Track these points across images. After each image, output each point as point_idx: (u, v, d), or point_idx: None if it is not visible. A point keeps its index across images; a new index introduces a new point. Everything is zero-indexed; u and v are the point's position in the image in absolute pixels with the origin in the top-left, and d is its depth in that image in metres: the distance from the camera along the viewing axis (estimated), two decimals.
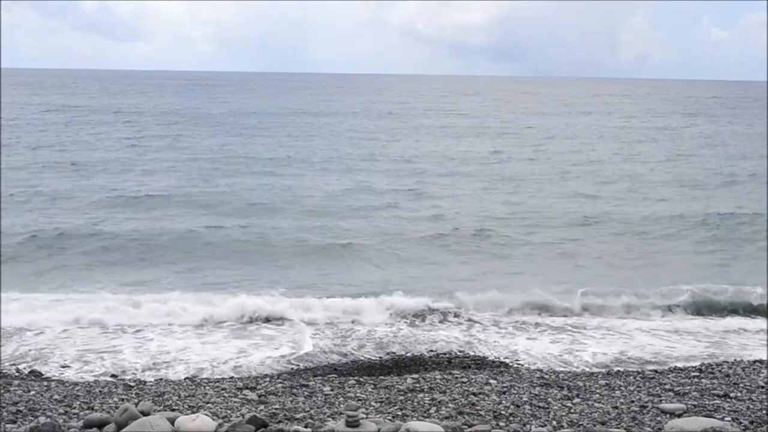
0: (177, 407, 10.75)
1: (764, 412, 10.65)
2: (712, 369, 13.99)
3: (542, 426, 9.51)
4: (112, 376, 14.49)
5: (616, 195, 37.91)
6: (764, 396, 11.69)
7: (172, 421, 7.24)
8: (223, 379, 13.99)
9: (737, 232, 29.87)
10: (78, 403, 11.06)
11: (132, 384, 12.91)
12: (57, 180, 38.12)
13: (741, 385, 12.53)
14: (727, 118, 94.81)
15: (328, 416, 10.16)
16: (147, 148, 51.78)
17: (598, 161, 50.20)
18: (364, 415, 7.69)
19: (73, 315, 18.25)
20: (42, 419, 7.45)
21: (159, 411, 7.91)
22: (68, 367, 15.33)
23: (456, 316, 19.41)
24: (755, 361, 14.88)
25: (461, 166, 47.12)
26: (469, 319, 19.19)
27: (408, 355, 16.23)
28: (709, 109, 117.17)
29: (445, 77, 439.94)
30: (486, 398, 11.46)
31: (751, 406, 11.00)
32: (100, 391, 12.03)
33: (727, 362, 14.95)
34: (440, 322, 19.06)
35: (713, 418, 9.38)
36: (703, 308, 20.58)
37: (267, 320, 18.68)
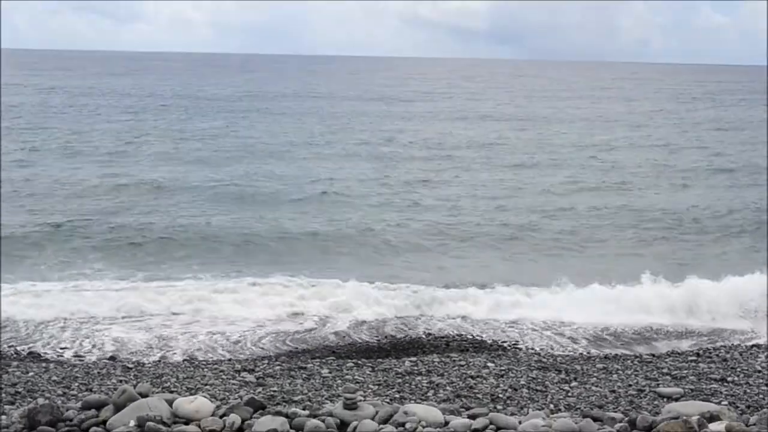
0: (175, 389, 10.78)
1: (761, 396, 10.68)
2: (710, 353, 14.02)
3: (539, 409, 9.53)
4: (111, 358, 14.50)
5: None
6: (761, 380, 11.72)
7: (170, 403, 7.24)
8: (221, 361, 14.00)
9: None
10: (76, 384, 11.10)
11: (130, 366, 12.94)
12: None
13: (738, 369, 12.56)
14: None
15: (326, 399, 10.19)
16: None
17: None
18: (362, 398, 7.69)
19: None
20: (40, 400, 7.45)
21: (157, 393, 7.91)
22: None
23: None
24: (753, 346, 14.92)
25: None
26: None
27: (406, 338, 16.25)
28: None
29: (445, 60, 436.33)
30: (484, 381, 11.49)
31: (749, 391, 11.04)
32: (98, 373, 12.06)
33: (725, 346, 14.99)
34: None
35: (710, 402, 9.40)
36: None
37: None
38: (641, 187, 34.96)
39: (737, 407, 9.92)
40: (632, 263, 22.15)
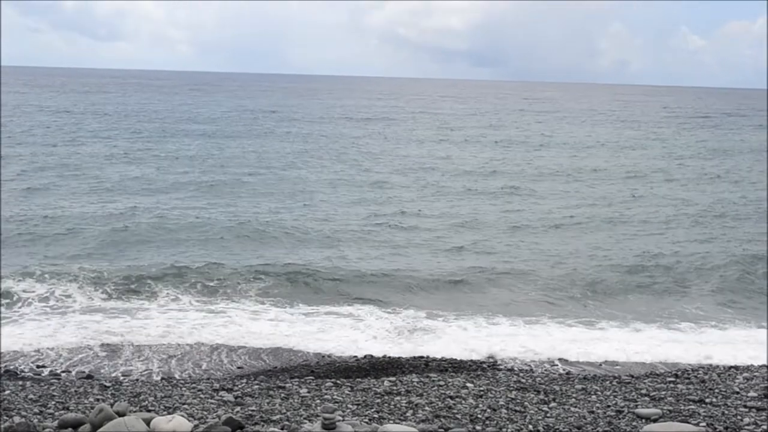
0: (153, 408, 10.71)
1: (739, 417, 10.71)
2: (688, 374, 14.06)
3: (518, 430, 9.53)
4: (88, 376, 14.41)
5: None
6: (739, 402, 11.75)
7: (147, 422, 7.21)
8: (199, 379, 13.93)
9: None
10: (53, 403, 11.00)
11: (108, 384, 12.85)
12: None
13: (716, 390, 12.59)
14: None
15: (305, 418, 10.14)
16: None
17: None
18: (341, 418, 7.68)
19: None
20: (17, 419, 7.40)
21: (135, 411, 7.88)
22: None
23: None
24: (731, 367, 14.97)
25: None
26: None
27: (385, 358, 16.23)
28: None
29: (426, 81, 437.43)
30: (463, 402, 11.47)
31: (726, 412, 11.05)
32: (75, 391, 11.97)
33: (703, 368, 15.04)
34: None
35: (689, 423, 9.43)
36: None
37: None
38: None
39: (715, 428, 9.95)
40: None
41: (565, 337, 18.31)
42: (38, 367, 15.15)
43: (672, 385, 13.00)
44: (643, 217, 33.79)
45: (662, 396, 12.13)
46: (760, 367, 14.86)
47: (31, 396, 11.37)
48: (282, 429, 7.42)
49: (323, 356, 16.33)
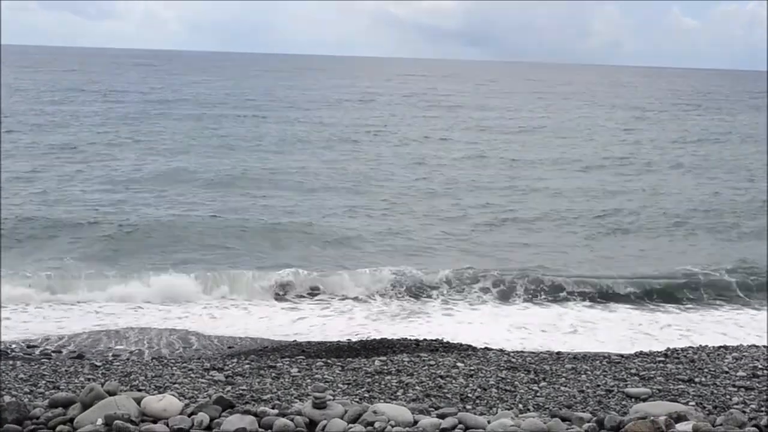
0: (144, 387, 10.71)
1: (728, 397, 10.76)
2: (678, 354, 14.10)
3: (508, 409, 9.55)
4: (78, 356, 14.40)
5: None
6: (728, 381, 11.81)
7: (138, 401, 7.20)
8: (190, 359, 13.94)
9: None
10: (44, 382, 11.00)
11: (98, 364, 12.84)
12: None
13: (705, 370, 12.64)
14: None
15: (295, 398, 10.16)
16: None
17: None
18: (331, 397, 7.67)
19: None
20: (7, 398, 7.38)
21: (125, 391, 7.85)
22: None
23: None
24: (720, 347, 15.01)
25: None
26: None
27: (377, 337, 16.26)
28: None
29: (417, 61, 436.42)
30: (453, 381, 11.50)
31: (715, 391, 11.10)
32: (66, 371, 11.96)
33: (693, 347, 15.08)
34: None
35: (678, 402, 9.46)
36: None
37: None
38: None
39: (704, 408, 9.99)
40: None
41: None
42: (29, 347, 15.13)
43: (661, 365, 13.04)
44: None
45: (652, 375, 12.18)
46: (749, 347, 14.90)
47: (21, 375, 11.37)
48: (273, 408, 7.42)
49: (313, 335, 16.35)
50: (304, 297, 20.50)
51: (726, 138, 60.87)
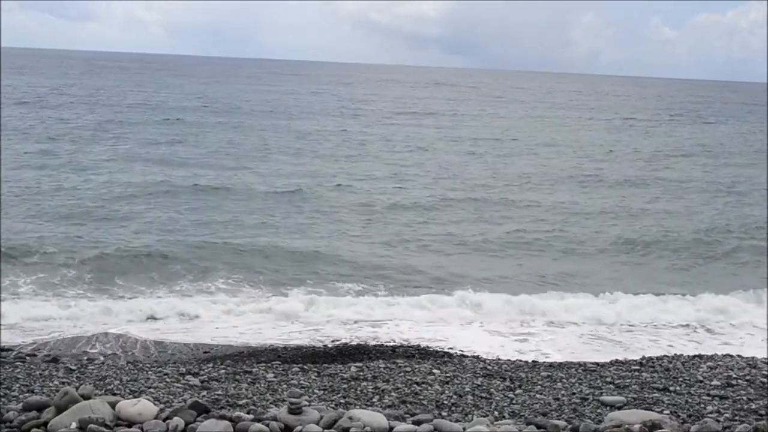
0: (119, 392, 10.67)
1: (702, 405, 10.82)
2: (653, 363, 14.17)
3: (484, 416, 9.57)
4: (53, 359, 14.31)
5: None
6: (702, 390, 11.87)
7: (113, 405, 7.17)
8: (165, 363, 13.89)
9: None
10: (17, 385, 10.93)
11: (73, 367, 12.78)
12: None
13: (680, 379, 12.71)
14: None
15: (271, 403, 10.15)
16: None
17: None
18: (307, 403, 7.68)
19: None
20: None
21: (100, 395, 7.82)
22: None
23: None
24: (695, 356, 15.10)
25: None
26: None
27: (353, 343, 16.25)
28: None
29: (399, 68, 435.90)
30: (429, 388, 11.52)
31: (690, 400, 11.17)
32: (40, 374, 11.89)
33: (668, 356, 15.15)
34: None
35: (653, 411, 9.51)
36: None
37: None
38: None
39: (679, 416, 10.04)
40: None
41: None
42: (3, 351, 15.02)
43: (637, 373, 13.10)
44: None
45: (627, 384, 12.24)
46: (724, 356, 15.00)
47: None
48: (248, 413, 7.41)
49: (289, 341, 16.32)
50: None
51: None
